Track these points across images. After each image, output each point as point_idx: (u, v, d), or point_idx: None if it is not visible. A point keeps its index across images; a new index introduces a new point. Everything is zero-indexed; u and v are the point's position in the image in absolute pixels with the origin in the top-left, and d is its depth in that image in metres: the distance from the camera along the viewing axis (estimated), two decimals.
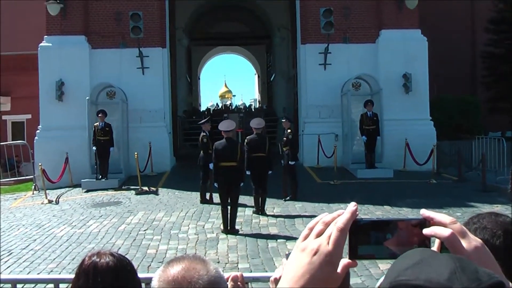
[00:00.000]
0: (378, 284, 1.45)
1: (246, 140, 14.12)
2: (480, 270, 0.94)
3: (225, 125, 12.85)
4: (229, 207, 12.17)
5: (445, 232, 1.11)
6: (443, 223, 1.13)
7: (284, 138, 15.55)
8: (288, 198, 15.21)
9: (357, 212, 1.16)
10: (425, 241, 1.14)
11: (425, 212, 1.16)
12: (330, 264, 1.10)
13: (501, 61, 30.48)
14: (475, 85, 32.78)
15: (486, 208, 13.19)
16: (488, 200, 14.73)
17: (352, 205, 1.16)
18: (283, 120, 16.16)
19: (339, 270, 1.13)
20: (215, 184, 12.63)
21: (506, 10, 30.71)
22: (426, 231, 1.13)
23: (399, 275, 0.97)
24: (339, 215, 1.15)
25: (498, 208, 13.39)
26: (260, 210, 13.68)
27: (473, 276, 0.92)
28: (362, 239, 1.15)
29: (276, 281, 2.10)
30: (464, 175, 18.45)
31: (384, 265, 8.16)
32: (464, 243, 1.10)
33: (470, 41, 33.44)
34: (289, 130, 15.48)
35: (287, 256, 1.25)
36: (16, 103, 28.21)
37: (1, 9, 28.50)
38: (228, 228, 11.99)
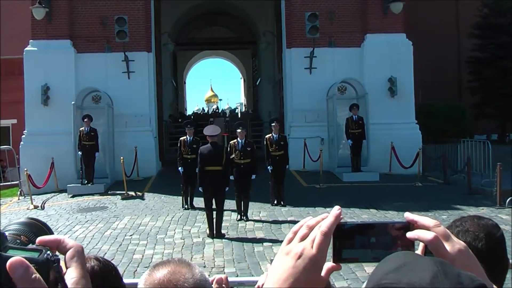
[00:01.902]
0: (362, 287, 1.46)
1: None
2: (462, 274, 0.94)
3: (210, 130, 12.83)
4: (214, 212, 12.16)
5: (428, 235, 1.11)
6: (427, 226, 1.14)
7: (282, 143, 15.52)
8: (282, 203, 15.17)
9: (341, 216, 1.16)
10: (409, 245, 1.14)
11: (409, 215, 1.16)
12: (314, 267, 1.10)
13: (486, 65, 30.74)
14: (461, 90, 33.00)
15: (471, 211, 13.27)
16: (474, 203, 14.81)
17: (336, 209, 1.16)
18: (272, 124, 16.00)
19: (323, 273, 1.13)
20: (200, 189, 12.63)
21: (490, 15, 31.04)
22: (409, 234, 1.13)
23: (382, 279, 0.98)
24: (323, 218, 1.15)
25: (483, 211, 13.50)
26: (242, 215, 13.64)
27: (455, 279, 0.92)
28: (346, 242, 1.15)
29: None
30: (449, 178, 18.52)
31: (370, 268, 8.05)
32: (447, 246, 1.11)
33: (456, 46, 33.68)
34: (279, 135, 15.54)
35: (272, 261, 1.25)
36: (2, 108, 27.99)
37: None
38: (214, 232, 11.98)
